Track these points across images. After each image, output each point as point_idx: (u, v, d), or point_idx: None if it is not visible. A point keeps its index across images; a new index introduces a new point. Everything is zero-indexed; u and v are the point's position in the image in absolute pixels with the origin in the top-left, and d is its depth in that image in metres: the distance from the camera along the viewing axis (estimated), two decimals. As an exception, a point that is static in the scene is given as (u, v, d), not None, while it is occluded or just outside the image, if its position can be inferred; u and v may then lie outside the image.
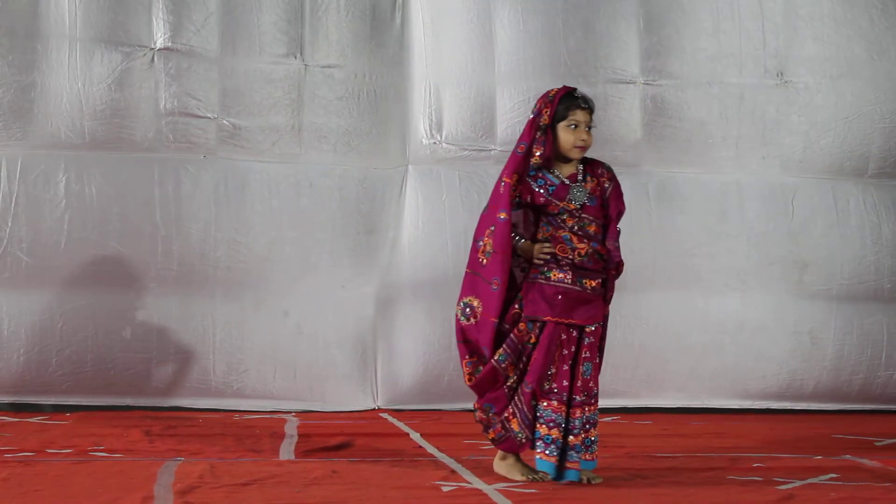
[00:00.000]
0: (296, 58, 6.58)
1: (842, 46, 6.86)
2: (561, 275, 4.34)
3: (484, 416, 4.46)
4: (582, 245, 4.36)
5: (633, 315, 6.61)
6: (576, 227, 4.37)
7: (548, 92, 4.45)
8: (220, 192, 6.49)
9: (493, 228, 4.37)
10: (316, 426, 5.89)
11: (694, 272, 6.72)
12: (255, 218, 6.52)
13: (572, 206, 4.37)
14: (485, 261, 4.37)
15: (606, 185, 4.44)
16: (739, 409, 6.72)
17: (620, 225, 4.48)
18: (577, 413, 4.35)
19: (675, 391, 6.69)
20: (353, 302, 6.56)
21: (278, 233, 6.54)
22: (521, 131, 4.48)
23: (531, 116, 4.43)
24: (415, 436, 5.60)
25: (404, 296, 6.59)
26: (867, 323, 6.86)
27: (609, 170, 4.49)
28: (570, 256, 4.35)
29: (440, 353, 6.53)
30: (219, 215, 6.48)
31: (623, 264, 4.44)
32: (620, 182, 4.51)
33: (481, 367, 4.39)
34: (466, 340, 4.41)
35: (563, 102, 4.37)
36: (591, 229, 4.38)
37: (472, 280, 4.41)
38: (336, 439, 5.40)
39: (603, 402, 4.65)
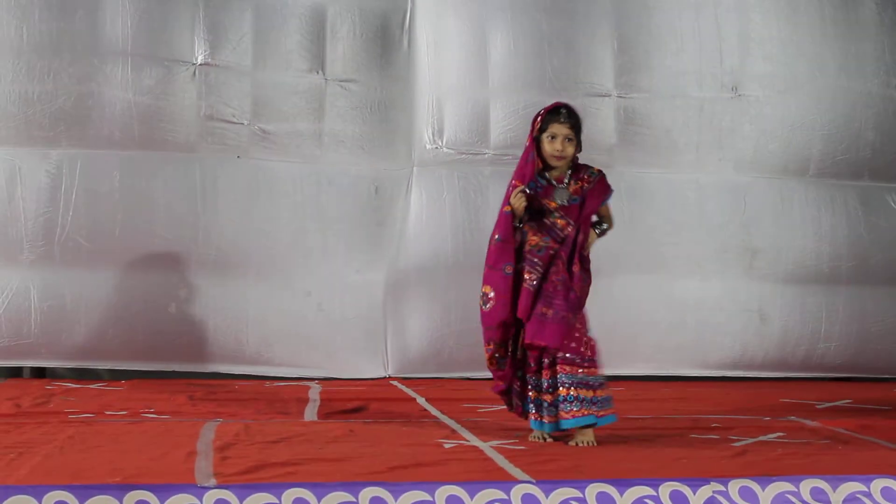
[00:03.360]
0: (317, 73, 6.57)
1: (788, 64, 6.84)
2: (528, 275, 4.22)
3: (507, 398, 4.38)
4: (556, 245, 4.21)
5: (607, 296, 6.49)
6: (554, 230, 4.24)
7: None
8: (252, 188, 6.48)
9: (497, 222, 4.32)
10: (335, 392, 5.86)
11: (660, 259, 6.72)
12: (281, 211, 6.51)
13: (553, 205, 4.28)
14: (492, 250, 4.31)
15: (586, 187, 4.33)
16: (700, 377, 6.71)
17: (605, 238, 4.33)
18: (546, 375, 4.28)
19: (644, 362, 6.67)
20: (366, 285, 6.54)
21: (301, 224, 6.52)
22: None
23: (529, 131, 4.38)
24: (421, 400, 5.58)
25: (410, 280, 6.56)
26: (809, 302, 6.85)
27: (593, 174, 4.32)
28: (538, 260, 4.19)
29: (441, 329, 6.53)
30: (250, 208, 6.47)
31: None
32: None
33: (498, 355, 4.27)
34: (487, 327, 4.28)
35: (547, 116, 4.30)
36: (566, 228, 4.21)
37: (487, 273, 4.31)
38: (353, 403, 5.39)
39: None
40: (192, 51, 6.43)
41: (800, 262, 6.85)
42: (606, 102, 6.71)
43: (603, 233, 4.36)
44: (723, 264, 6.78)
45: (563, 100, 4.52)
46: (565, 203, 4.28)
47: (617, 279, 6.57)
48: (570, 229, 4.23)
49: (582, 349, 4.27)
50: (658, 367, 6.72)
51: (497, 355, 4.28)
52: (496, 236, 4.28)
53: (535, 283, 4.21)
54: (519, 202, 4.20)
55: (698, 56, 6.77)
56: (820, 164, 6.92)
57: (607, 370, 6.72)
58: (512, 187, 4.26)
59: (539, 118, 4.29)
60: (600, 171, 4.36)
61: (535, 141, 4.27)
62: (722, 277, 6.77)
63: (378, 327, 6.58)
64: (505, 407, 4.47)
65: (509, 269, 4.23)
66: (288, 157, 6.56)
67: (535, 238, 4.25)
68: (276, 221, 6.51)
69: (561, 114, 4.26)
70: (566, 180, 4.31)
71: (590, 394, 4.24)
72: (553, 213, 4.26)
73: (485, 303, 4.28)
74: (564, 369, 4.22)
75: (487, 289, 4.27)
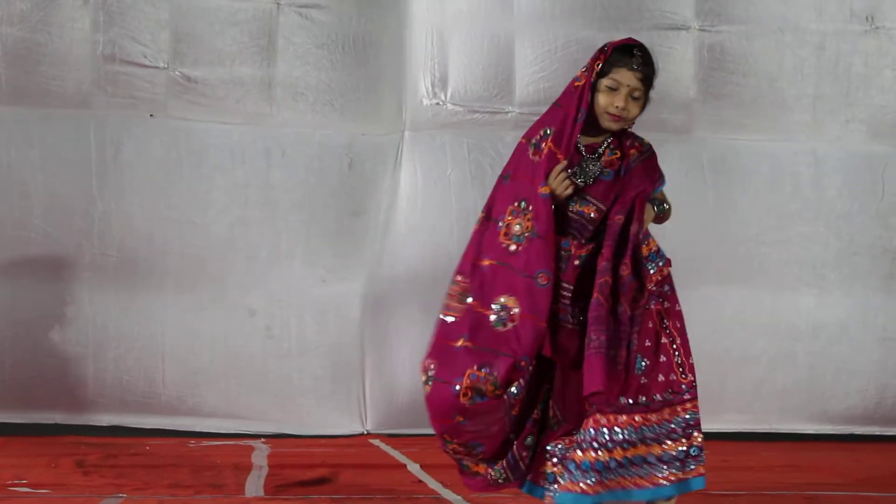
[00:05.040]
0: (266, -6, 6.56)
1: (949, -18, 6.88)
2: (557, 305, 4.05)
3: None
4: (581, 250, 4.05)
5: (680, 318, 6.48)
6: (583, 225, 4.08)
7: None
8: (172, 161, 6.48)
9: (524, 205, 4.07)
10: (290, 455, 5.89)
11: (759, 264, 6.74)
12: (214, 193, 6.52)
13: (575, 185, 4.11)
14: (514, 247, 4.09)
15: (635, 158, 4.13)
16: (816, 436, 6.75)
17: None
18: None
19: (736, 413, 6.67)
20: (335, 300, 6.56)
21: (243, 212, 6.54)
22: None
23: (583, 69, 4.15)
24: (413, 467, 5.58)
25: (399, 293, 6.59)
26: (979, 329, 6.86)
27: (643, 142, 4.14)
28: (568, 281, 4.04)
29: (444, 364, 6.47)
30: (169, 189, 6.47)
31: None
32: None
33: (483, 389, 4.09)
34: (484, 349, 4.07)
35: (615, 55, 4.11)
36: (590, 214, 4.06)
37: (503, 273, 4.08)
38: (315, 472, 5.35)
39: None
40: (85, -40, 6.43)
41: (963, 269, 6.88)
42: (683, 38, 6.71)
43: (663, 214, 4.17)
44: (851, 272, 6.82)
45: (621, 35, 4.35)
46: (589, 181, 4.08)
47: (696, 293, 6.25)
48: (615, 217, 4.05)
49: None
50: (756, 420, 6.76)
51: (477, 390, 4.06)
52: (514, 229, 4.07)
53: (578, 317, 4.04)
54: (564, 186, 4.04)
55: (817, -29, 6.81)
56: None
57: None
58: (545, 153, 4.05)
59: (602, 55, 4.10)
60: (651, 146, 4.20)
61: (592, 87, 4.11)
62: (849, 292, 6.81)
63: (353, 362, 6.56)
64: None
65: (544, 280, 4.03)
66: (224, 115, 6.53)
67: (581, 251, 4.08)
68: (207, 208, 6.48)
69: (634, 57, 4.07)
70: (600, 149, 4.12)
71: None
72: (574, 198, 4.06)
73: (499, 321, 4.07)
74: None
75: (509, 300, 4.06)
